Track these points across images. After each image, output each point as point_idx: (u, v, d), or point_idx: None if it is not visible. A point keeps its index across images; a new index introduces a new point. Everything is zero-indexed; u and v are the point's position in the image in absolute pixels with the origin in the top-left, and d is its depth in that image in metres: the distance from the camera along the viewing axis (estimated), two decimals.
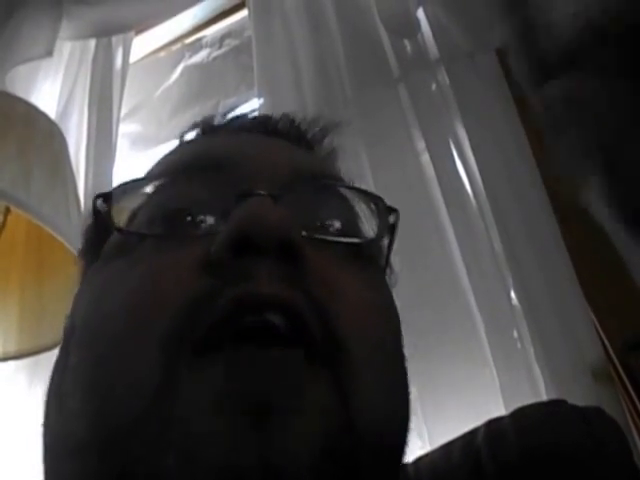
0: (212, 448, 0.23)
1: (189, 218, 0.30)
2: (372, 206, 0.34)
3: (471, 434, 0.40)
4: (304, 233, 0.29)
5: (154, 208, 0.31)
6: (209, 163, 0.33)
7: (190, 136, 0.40)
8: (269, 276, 0.26)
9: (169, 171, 0.34)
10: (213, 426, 0.23)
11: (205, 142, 0.38)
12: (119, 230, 0.32)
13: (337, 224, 0.32)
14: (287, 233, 0.27)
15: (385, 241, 0.34)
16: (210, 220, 0.30)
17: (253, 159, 0.33)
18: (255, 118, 0.40)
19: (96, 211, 0.32)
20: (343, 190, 0.34)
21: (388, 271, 0.37)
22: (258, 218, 0.27)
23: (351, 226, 0.33)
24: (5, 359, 0.81)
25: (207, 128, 0.39)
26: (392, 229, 0.34)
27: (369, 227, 0.34)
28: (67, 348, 0.30)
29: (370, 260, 0.33)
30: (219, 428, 0.23)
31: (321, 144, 0.40)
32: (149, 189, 0.33)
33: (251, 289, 0.26)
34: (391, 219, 0.33)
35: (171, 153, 0.38)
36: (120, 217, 0.32)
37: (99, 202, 0.32)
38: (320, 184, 0.34)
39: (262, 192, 0.29)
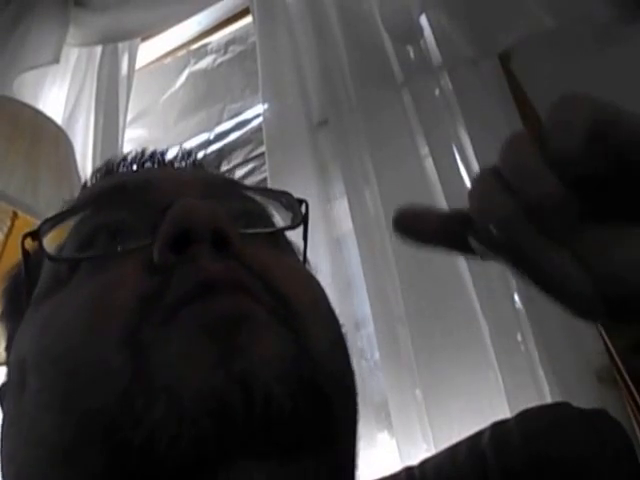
0: (191, 390, 0.24)
1: (119, 241, 0.31)
2: (283, 201, 0.36)
3: (476, 437, 0.41)
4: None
5: (82, 237, 0.32)
6: (127, 188, 0.34)
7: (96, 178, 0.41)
8: (211, 256, 0.28)
9: (90, 202, 0.35)
10: (187, 376, 0.25)
11: (116, 176, 0.39)
12: (55, 259, 0.32)
13: (255, 224, 0.34)
14: (219, 220, 0.29)
15: (300, 233, 0.36)
16: (140, 239, 0.31)
17: (166, 181, 0.35)
18: (151, 154, 0.41)
19: (25, 251, 0.33)
20: (252, 194, 0.36)
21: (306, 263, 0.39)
22: (188, 210, 0.28)
23: (266, 223, 0.35)
24: None
25: (106, 169, 0.40)
26: (304, 218, 0.36)
27: (283, 221, 0.36)
28: (22, 382, 0.30)
29: (289, 249, 0.36)
30: (191, 374, 0.25)
31: (218, 168, 0.42)
32: (73, 222, 0.33)
33: (199, 268, 0.27)
34: (302, 209, 0.36)
35: (87, 189, 0.39)
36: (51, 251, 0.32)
37: (27, 241, 0.32)
38: (231, 191, 0.36)
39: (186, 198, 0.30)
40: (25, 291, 0.34)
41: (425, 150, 0.85)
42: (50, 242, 0.33)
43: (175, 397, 0.24)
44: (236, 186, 0.38)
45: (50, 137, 0.81)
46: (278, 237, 0.35)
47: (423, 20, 0.93)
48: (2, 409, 0.34)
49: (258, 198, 0.36)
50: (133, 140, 1.17)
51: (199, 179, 0.36)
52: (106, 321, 0.27)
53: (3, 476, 0.30)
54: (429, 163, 0.84)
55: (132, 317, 0.27)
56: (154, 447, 0.24)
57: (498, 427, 0.41)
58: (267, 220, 0.36)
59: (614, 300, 0.25)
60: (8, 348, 0.37)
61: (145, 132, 1.20)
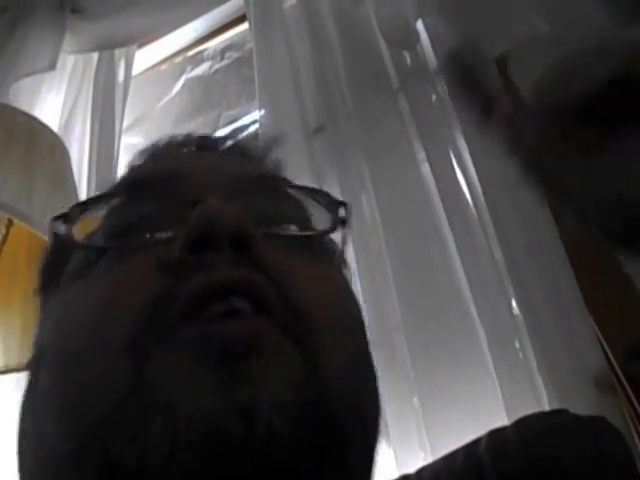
0: (187, 414, 0.23)
1: (145, 232, 0.31)
2: (321, 201, 0.35)
3: (473, 444, 0.40)
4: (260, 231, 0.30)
5: (109, 226, 0.32)
6: (158, 179, 0.34)
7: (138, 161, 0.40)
8: (227, 264, 0.27)
9: (120, 191, 0.35)
10: (186, 397, 0.24)
11: (152, 162, 0.39)
12: (79, 245, 0.32)
13: (289, 222, 0.33)
14: (241, 226, 0.28)
15: (338, 235, 0.35)
16: (165, 231, 0.30)
17: (200, 171, 0.34)
18: (197, 137, 0.40)
19: (55, 233, 0.33)
20: (291, 191, 0.35)
21: (344, 267, 0.37)
22: (211, 215, 0.28)
23: (303, 223, 0.34)
24: (7, 372, 0.81)
25: (152, 151, 0.40)
26: (343, 222, 0.34)
27: (321, 223, 0.34)
28: (35, 373, 0.30)
29: (324, 254, 0.34)
30: (191, 396, 0.24)
31: (265, 157, 0.40)
32: (103, 209, 0.33)
33: (212, 275, 0.26)
34: (341, 212, 0.34)
35: (122, 176, 0.39)
36: (78, 237, 0.32)
37: (57, 223, 0.32)
38: (267, 186, 0.34)
39: (215, 197, 0.29)
40: (53, 272, 0.34)
41: (422, 155, 0.85)
42: (84, 227, 0.33)
43: (171, 418, 0.23)
44: (274, 181, 0.36)
45: (46, 144, 0.80)
46: (312, 239, 0.34)
47: (420, 25, 0.94)
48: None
49: (297, 195, 0.35)
50: (129, 147, 1.17)
51: (235, 172, 0.35)
52: (113, 323, 0.27)
53: (18, 453, 0.30)
54: (426, 169, 0.84)
55: (138, 321, 0.26)
56: (145, 469, 0.23)
57: (496, 434, 0.41)
58: (303, 220, 0.34)
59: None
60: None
61: (142, 139, 1.20)
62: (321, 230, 0.34)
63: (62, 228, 0.32)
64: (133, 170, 0.39)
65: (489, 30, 0.89)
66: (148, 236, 0.31)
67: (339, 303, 0.31)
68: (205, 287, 0.26)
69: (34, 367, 0.31)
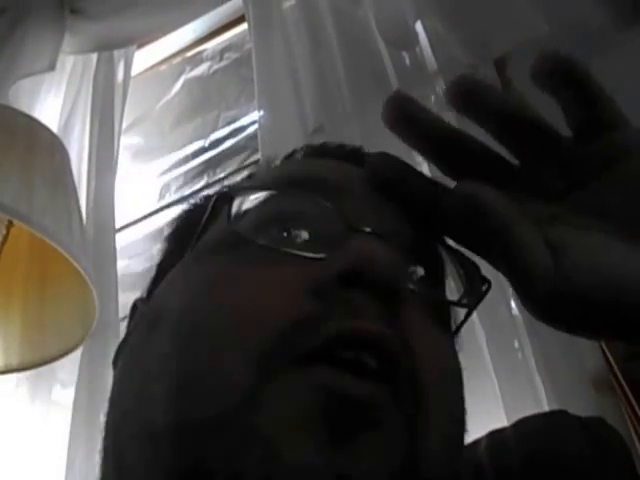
0: (289, 460, 0.23)
1: (296, 234, 0.31)
2: (463, 268, 0.33)
3: (473, 445, 0.40)
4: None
5: (263, 216, 0.31)
6: (322, 184, 0.33)
7: (298, 156, 0.40)
8: (372, 315, 0.27)
9: (279, 183, 0.34)
10: (292, 441, 0.24)
11: (317, 163, 0.38)
12: (236, 232, 0.31)
13: (424, 276, 0.32)
14: (396, 281, 0.28)
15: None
16: (316, 241, 0.30)
17: (363, 193, 0.33)
18: (361, 152, 0.40)
19: (217, 204, 0.33)
20: (439, 246, 0.34)
21: (456, 337, 0.37)
22: (375, 260, 0.27)
23: (436, 282, 0.33)
24: (7, 372, 0.81)
25: (314, 151, 0.39)
26: (479, 300, 0.33)
27: (455, 289, 0.34)
28: (154, 331, 0.30)
29: (448, 321, 0.34)
30: (297, 443, 0.24)
31: None
32: (260, 197, 0.33)
33: (359, 324, 0.26)
34: (483, 289, 0.33)
35: (281, 167, 0.38)
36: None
37: (221, 198, 0.33)
38: (421, 236, 0.33)
39: (371, 230, 0.29)
40: (196, 236, 0.34)
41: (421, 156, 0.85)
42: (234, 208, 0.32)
43: (270, 457, 0.23)
44: (424, 228, 0.35)
45: (45, 145, 0.80)
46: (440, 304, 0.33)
47: (419, 26, 0.94)
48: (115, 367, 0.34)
49: (442, 250, 0.33)
50: (129, 147, 1.17)
51: (396, 208, 0.33)
52: (253, 326, 0.26)
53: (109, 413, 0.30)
54: (424, 169, 0.84)
55: (276, 339, 0.26)
56: None
57: (495, 435, 0.41)
58: (438, 279, 0.33)
59: (566, 297, 0.27)
60: (160, 267, 0.37)
61: (141, 139, 1.20)
62: (461, 302, 0.33)
63: (225, 203, 0.32)
64: (295, 165, 0.38)
65: (489, 30, 0.89)
66: (297, 236, 0.30)
67: (454, 387, 0.31)
68: (349, 334, 0.26)
69: (151, 325, 0.31)
